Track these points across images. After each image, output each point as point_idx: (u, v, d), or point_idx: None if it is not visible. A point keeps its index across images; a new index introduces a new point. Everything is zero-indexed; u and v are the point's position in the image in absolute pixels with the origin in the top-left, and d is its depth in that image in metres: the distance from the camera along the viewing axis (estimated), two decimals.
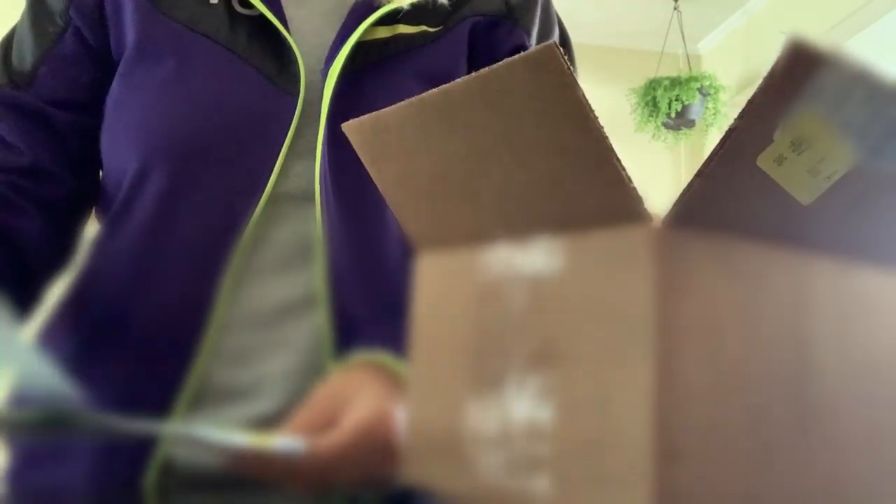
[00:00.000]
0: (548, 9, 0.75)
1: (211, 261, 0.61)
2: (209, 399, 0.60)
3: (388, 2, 0.65)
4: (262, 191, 0.61)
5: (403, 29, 0.66)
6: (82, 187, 0.69)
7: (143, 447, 0.58)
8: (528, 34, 0.71)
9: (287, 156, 0.62)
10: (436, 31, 0.68)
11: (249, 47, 0.64)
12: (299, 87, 0.62)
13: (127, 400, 0.59)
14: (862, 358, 0.34)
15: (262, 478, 0.46)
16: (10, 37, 0.71)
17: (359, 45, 0.64)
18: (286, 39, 0.63)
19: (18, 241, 0.64)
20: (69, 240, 0.68)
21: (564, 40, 0.77)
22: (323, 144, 0.62)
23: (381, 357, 0.53)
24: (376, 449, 0.46)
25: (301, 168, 0.62)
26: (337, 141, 0.62)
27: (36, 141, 0.67)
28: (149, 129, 0.64)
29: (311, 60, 0.65)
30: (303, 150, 0.62)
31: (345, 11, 0.66)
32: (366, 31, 0.64)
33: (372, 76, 0.65)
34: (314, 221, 0.62)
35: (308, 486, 0.46)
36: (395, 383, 0.50)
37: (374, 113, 0.37)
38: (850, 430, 0.33)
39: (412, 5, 0.66)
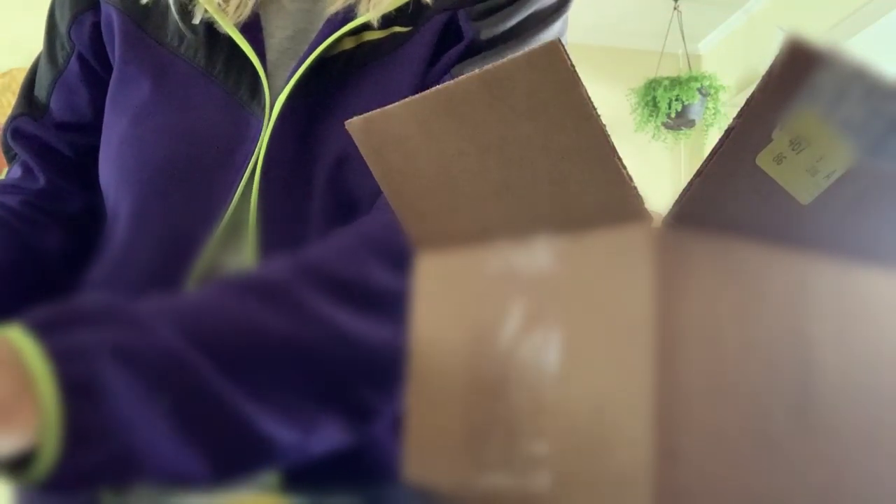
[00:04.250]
0: None
1: (167, 289, 0.60)
2: None
3: (358, 15, 0.63)
4: (222, 218, 0.60)
5: (370, 36, 0.64)
6: (97, 201, 0.70)
7: None
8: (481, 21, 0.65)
9: (248, 183, 0.60)
10: (407, 32, 0.64)
11: (225, 70, 0.63)
12: (265, 112, 0.61)
13: None
14: (862, 357, 0.34)
15: None
16: (36, 65, 0.74)
17: (323, 61, 0.62)
18: (255, 65, 0.62)
19: (42, 256, 0.67)
20: (89, 251, 0.70)
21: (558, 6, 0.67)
22: (261, 171, 0.60)
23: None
24: None
25: None
26: (279, 164, 0.60)
27: (49, 165, 0.71)
28: (122, 157, 0.65)
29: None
30: None
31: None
32: (332, 45, 0.62)
33: (337, 89, 0.63)
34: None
35: None
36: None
37: (377, 110, 0.37)
38: (850, 429, 0.33)
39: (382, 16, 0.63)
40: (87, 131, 0.70)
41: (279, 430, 0.43)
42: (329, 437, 0.46)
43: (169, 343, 0.40)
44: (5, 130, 0.72)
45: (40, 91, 0.72)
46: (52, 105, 0.71)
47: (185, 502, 0.39)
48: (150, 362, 0.39)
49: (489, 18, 0.64)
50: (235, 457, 0.42)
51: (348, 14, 0.63)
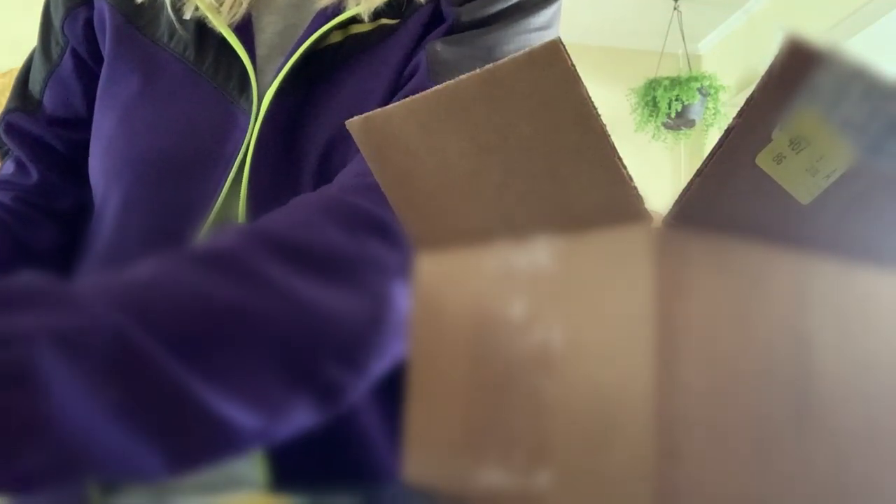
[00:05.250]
0: None
1: None
2: None
3: (347, 9, 0.62)
4: (210, 212, 0.60)
5: (357, 28, 0.63)
6: (90, 197, 0.70)
7: None
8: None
9: (236, 178, 0.60)
10: (395, 24, 0.64)
11: (215, 66, 0.63)
12: (253, 107, 0.61)
13: None
14: (862, 358, 0.34)
15: None
16: (31, 60, 0.74)
17: (311, 55, 0.62)
18: (245, 62, 0.62)
19: (34, 252, 0.67)
20: (81, 247, 0.70)
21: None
22: (250, 165, 0.60)
23: None
24: None
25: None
26: (268, 160, 0.60)
27: (42, 161, 0.71)
28: (110, 152, 0.65)
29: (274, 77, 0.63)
30: None
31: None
32: (320, 39, 0.62)
33: (325, 84, 0.63)
34: None
35: None
36: None
37: (378, 109, 0.37)
38: (850, 429, 0.33)
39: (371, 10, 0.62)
40: (81, 126, 0.70)
41: (241, 415, 0.39)
42: (296, 419, 0.42)
43: (113, 323, 0.36)
44: None
45: (34, 86, 0.72)
46: (46, 100, 0.71)
47: (184, 502, 0.38)
48: (92, 346, 0.35)
49: (471, 3, 0.64)
50: (193, 447, 0.38)
51: (337, 8, 0.63)
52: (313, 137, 0.61)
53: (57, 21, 0.70)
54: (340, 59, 0.63)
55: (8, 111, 0.72)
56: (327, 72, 0.63)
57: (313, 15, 0.64)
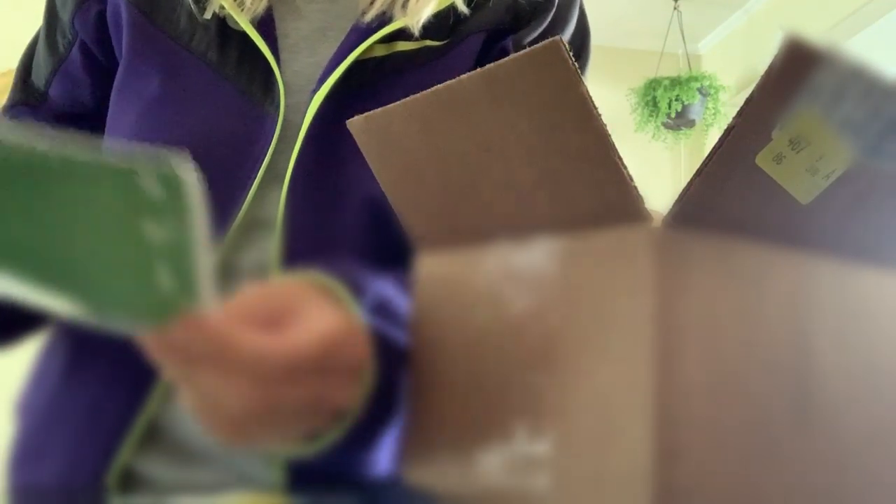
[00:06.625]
0: (564, 11, 0.70)
1: None
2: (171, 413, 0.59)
3: (393, 20, 0.62)
4: (235, 216, 0.59)
5: (402, 46, 0.63)
6: None
7: (108, 451, 0.58)
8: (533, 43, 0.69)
9: (263, 180, 0.60)
10: (440, 46, 0.64)
11: (237, 67, 0.63)
12: (279, 109, 0.61)
13: (100, 411, 0.59)
14: (862, 357, 0.34)
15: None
16: (32, 50, 0.73)
17: (354, 65, 0.62)
18: (269, 60, 0.62)
19: None
20: None
21: (581, 39, 0.72)
22: (293, 170, 0.60)
23: (322, 278, 0.42)
24: (339, 368, 0.37)
25: (277, 193, 0.60)
26: (309, 167, 0.60)
27: None
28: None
29: (301, 80, 0.63)
30: (282, 174, 0.60)
31: (344, 26, 0.65)
32: (364, 49, 0.62)
33: (365, 97, 0.62)
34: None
35: (247, 400, 0.34)
36: (342, 304, 0.41)
37: (379, 109, 0.37)
38: (849, 429, 0.33)
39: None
40: (88, 120, 0.69)
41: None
42: None
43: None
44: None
45: (38, 79, 0.71)
46: (52, 93, 0.70)
47: (184, 502, 0.39)
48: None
49: None
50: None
51: (382, 19, 0.63)
52: (357, 148, 0.61)
53: (65, 14, 0.70)
54: (385, 74, 0.63)
55: (12, 105, 0.71)
56: (371, 83, 0.62)
57: (345, 21, 0.64)
